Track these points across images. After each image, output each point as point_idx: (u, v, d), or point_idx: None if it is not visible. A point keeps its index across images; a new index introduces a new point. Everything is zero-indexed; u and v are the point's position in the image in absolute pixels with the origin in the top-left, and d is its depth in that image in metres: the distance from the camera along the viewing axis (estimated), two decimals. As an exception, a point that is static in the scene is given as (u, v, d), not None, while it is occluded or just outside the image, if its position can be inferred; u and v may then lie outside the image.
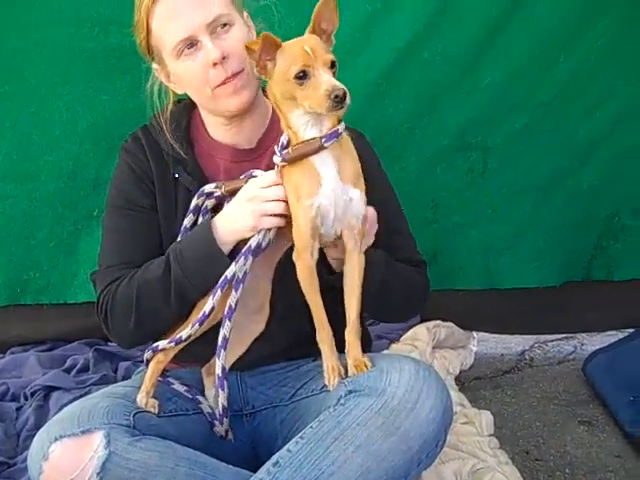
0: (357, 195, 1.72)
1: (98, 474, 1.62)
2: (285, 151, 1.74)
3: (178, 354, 1.86)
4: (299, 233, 1.72)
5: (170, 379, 1.90)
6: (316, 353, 1.80)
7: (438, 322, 2.81)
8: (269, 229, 1.76)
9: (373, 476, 1.60)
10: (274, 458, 1.66)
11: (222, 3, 1.91)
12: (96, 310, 1.95)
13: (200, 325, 1.78)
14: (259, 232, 1.76)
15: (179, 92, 2.02)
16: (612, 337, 2.99)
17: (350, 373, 1.72)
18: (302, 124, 1.71)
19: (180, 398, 1.90)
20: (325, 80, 1.63)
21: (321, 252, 1.78)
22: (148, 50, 1.99)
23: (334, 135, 1.70)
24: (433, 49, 2.73)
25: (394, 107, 2.77)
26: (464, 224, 2.89)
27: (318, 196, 1.70)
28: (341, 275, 1.78)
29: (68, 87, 2.70)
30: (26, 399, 2.52)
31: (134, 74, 2.67)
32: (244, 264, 1.75)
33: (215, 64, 1.87)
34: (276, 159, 1.75)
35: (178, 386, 1.90)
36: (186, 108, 2.04)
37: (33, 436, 2.21)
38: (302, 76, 1.66)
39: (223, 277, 1.76)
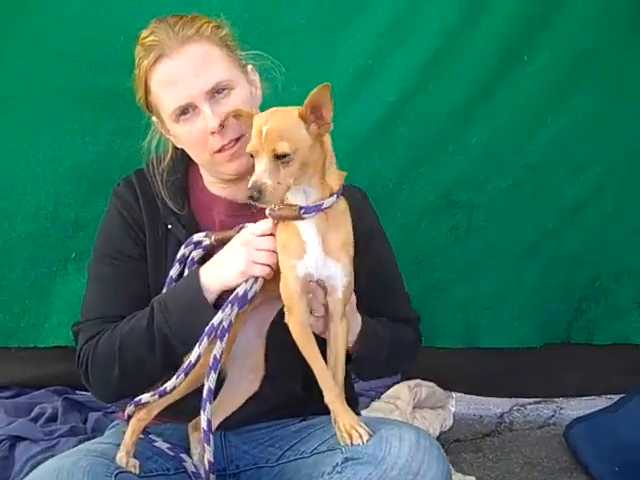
0: (339, 269, 1.69)
1: None
2: (273, 206, 1.71)
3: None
4: (287, 290, 1.69)
5: (152, 436, 1.83)
6: (306, 413, 1.74)
7: (419, 381, 2.77)
8: (256, 279, 1.73)
9: None
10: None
11: (223, 69, 1.88)
12: (77, 363, 1.88)
13: (185, 375, 1.72)
14: (247, 281, 1.72)
15: (179, 146, 1.99)
16: (590, 402, 2.98)
17: (342, 442, 1.66)
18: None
19: (161, 457, 1.82)
20: (256, 172, 1.61)
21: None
22: (147, 106, 1.96)
23: (314, 209, 1.67)
24: (423, 106, 2.74)
25: (382, 162, 2.76)
26: (447, 281, 2.87)
27: (302, 260, 1.68)
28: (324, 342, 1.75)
29: (53, 126, 2.64)
30: (-11, 448, 2.40)
31: (120, 117, 2.66)
32: (230, 313, 1.71)
33: (213, 133, 1.85)
34: (268, 211, 1.73)
35: (161, 444, 1.82)
36: (185, 158, 2.00)
37: (-3, 490, 2.08)
38: (252, 157, 1.65)
39: (210, 325, 1.70)
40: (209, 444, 1.71)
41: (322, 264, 1.68)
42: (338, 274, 1.69)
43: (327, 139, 1.70)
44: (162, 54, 1.86)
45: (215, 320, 1.70)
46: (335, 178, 1.71)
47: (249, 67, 1.97)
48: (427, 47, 2.69)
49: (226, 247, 1.78)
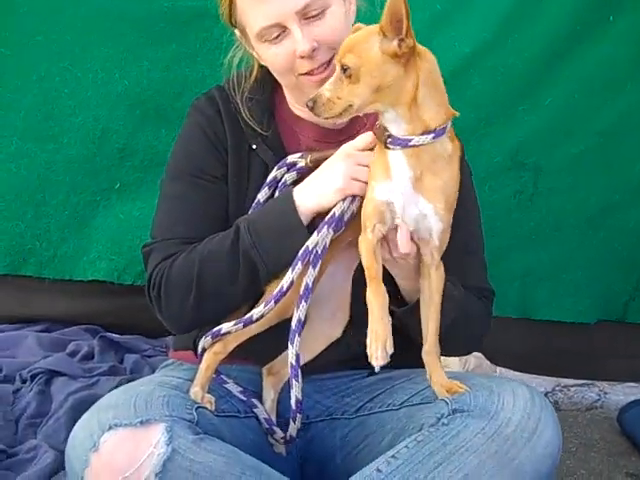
0: (430, 210, 1.54)
1: (157, 474, 1.38)
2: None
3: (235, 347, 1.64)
4: (365, 210, 1.56)
5: (223, 377, 1.68)
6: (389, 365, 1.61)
7: (470, 350, 2.64)
8: (354, 199, 1.59)
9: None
10: (360, 477, 1.45)
11: None
12: (147, 288, 1.72)
13: (275, 303, 1.58)
14: (344, 200, 1.59)
15: (262, 62, 1.82)
16: (634, 389, 2.86)
17: (440, 396, 1.53)
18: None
19: (232, 398, 1.68)
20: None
21: (392, 282, 1.64)
22: (230, 20, 1.79)
23: (400, 142, 1.52)
24: (498, 60, 2.59)
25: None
26: (505, 247, 2.73)
27: (384, 186, 1.54)
28: (410, 310, 1.63)
29: (106, 48, 2.48)
30: (23, 382, 2.24)
31: (181, 43, 2.51)
32: (325, 235, 1.57)
33: (303, 57, 1.69)
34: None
35: (232, 386, 1.69)
36: (271, 77, 1.84)
37: (35, 424, 1.98)
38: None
39: (304, 248, 1.57)
40: (297, 380, 1.58)
41: (410, 200, 1.53)
42: (431, 216, 1.54)
43: (427, 68, 1.55)
44: None
45: (310, 243, 1.57)
46: (435, 115, 1.55)
47: None
48: (505, 1, 2.54)
49: (324, 163, 1.64)
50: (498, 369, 2.90)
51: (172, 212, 1.75)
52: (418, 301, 1.62)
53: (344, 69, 1.50)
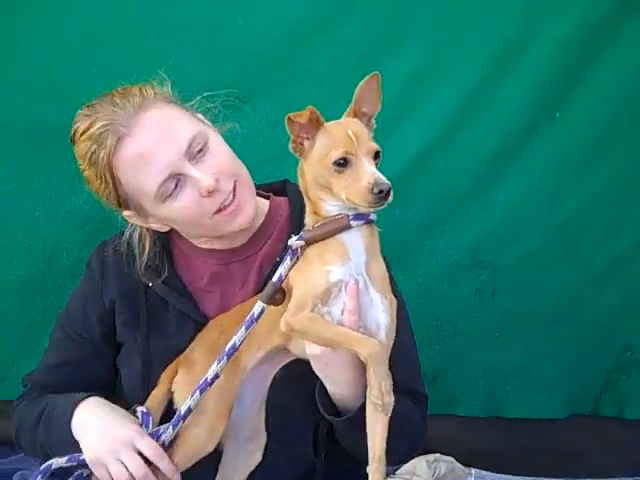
0: (378, 299, 1.54)
1: None
2: (304, 231, 1.57)
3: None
4: (313, 293, 1.52)
5: None
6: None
7: (438, 455, 2.55)
8: None
9: None
10: None
11: (187, 124, 1.74)
12: None
13: None
14: None
15: (164, 230, 1.84)
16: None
17: None
18: (333, 210, 1.57)
19: None
20: (368, 171, 1.49)
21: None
22: (119, 202, 1.79)
23: (362, 217, 1.53)
24: (449, 159, 2.61)
25: (403, 216, 2.61)
26: (469, 347, 2.69)
27: (341, 269, 1.52)
28: (347, 420, 1.58)
29: (53, 165, 2.48)
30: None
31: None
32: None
33: (210, 192, 1.69)
34: (292, 242, 1.57)
35: None
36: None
37: None
38: (342, 163, 1.50)
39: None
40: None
41: (363, 286, 1.54)
42: (378, 305, 1.54)
43: None
44: (120, 135, 1.68)
45: None
46: None
47: (199, 115, 1.83)
48: (455, 99, 2.57)
49: (100, 425, 1.66)
50: (474, 470, 2.81)
51: (46, 355, 1.92)
52: (358, 412, 1.56)
53: (376, 156, 1.56)
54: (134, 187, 1.70)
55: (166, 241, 1.85)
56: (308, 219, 1.60)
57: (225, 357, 1.55)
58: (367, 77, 1.56)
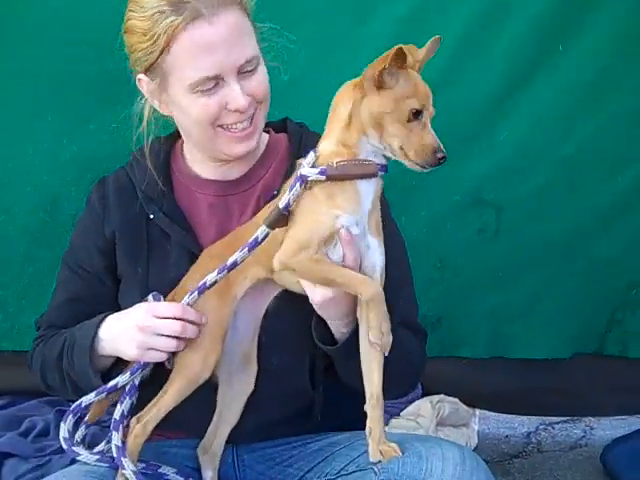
0: (375, 244, 1.55)
1: None
2: (326, 166, 1.52)
3: (161, 423, 1.61)
4: (316, 234, 1.51)
5: (162, 469, 1.66)
6: (325, 419, 1.57)
7: (442, 396, 2.58)
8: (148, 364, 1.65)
9: None
10: None
11: (254, 43, 1.73)
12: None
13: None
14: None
15: (166, 113, 1.81)
16: (621, 421, 2.77)
17: (373, 459, 1.48)
18: (367, 151, 1.55)
19: (170, 480, 1.65)
20: (432, 133, 1.52)
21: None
22: (148, 64, 1.74)
23: (384, 169, 1.55)
24: (449, 99, 2.53)
25: (405, 157, 2.57)
26: (472, 287, 2.68)
27: (350, 217, 1.52)
28: (343, 347, 1.57)
29: (52, 113, 2.46)
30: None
31: (127, 105, 2.48)
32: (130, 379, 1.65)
33: (237, 110, 1.68)
34: (309, 172, 1.53)
35: (165, 469, 1.67)
36: (167, 141, 1.88)
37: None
38: (416, 115, 1.50)
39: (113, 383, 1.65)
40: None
41: (362, 232, 1.54)
42: (375, 250, 1.55)
43: None
44: (199, 15, 1.65)
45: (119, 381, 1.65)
46: None
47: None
48: (458, 34, 2.51)
49: (122, 321, 1.67)
50: (478, 411, 2.83)
51: (55, 295, 1.90)
52: (352, 338, 1.57)
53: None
54: (179, 64, 1.69)
55: (167, 171, 1.84)
56: (328, 147, 1.57)
57: (226, 270, 1.57)
58: (434, 38, 1.59)
